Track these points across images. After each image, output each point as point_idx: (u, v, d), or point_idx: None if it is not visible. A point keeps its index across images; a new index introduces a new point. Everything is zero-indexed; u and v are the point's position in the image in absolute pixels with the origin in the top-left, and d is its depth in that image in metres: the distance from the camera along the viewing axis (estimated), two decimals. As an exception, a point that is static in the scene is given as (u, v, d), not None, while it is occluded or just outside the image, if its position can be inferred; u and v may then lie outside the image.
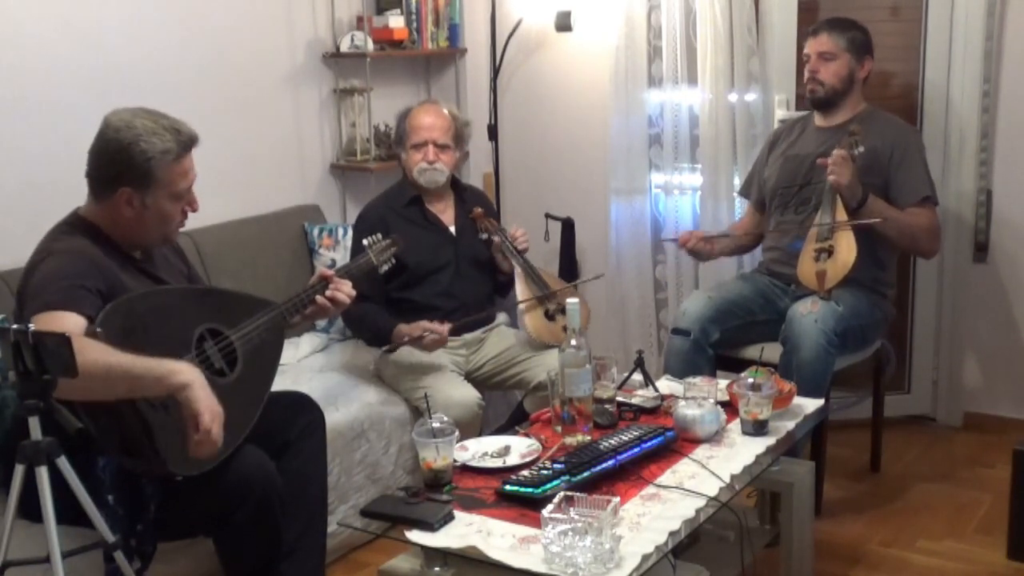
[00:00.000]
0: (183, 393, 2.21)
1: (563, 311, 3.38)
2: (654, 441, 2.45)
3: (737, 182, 4.04)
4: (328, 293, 2.77)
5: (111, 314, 2.28)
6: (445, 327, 3.25)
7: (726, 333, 3.37)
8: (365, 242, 3.07)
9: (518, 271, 3.42)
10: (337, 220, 4.25)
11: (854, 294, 3.27)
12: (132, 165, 2.39)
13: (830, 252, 3.21)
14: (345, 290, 2.81)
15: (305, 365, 3.60)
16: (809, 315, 3.16)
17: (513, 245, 3.44)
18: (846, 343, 3.23)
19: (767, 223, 3.60)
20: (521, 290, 3.40)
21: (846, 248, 3.18)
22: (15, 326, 1.98)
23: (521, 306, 3.39)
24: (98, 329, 2.23)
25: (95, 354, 2.14)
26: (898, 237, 3.33)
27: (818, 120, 3.53)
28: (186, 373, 2.23)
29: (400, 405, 3.37)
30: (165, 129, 2.42)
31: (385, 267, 3.09)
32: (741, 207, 4.00)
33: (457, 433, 2.38)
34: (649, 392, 2.82)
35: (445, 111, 3.52)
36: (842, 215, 3.23)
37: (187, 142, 2.46)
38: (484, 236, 3.45)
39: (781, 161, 3.54)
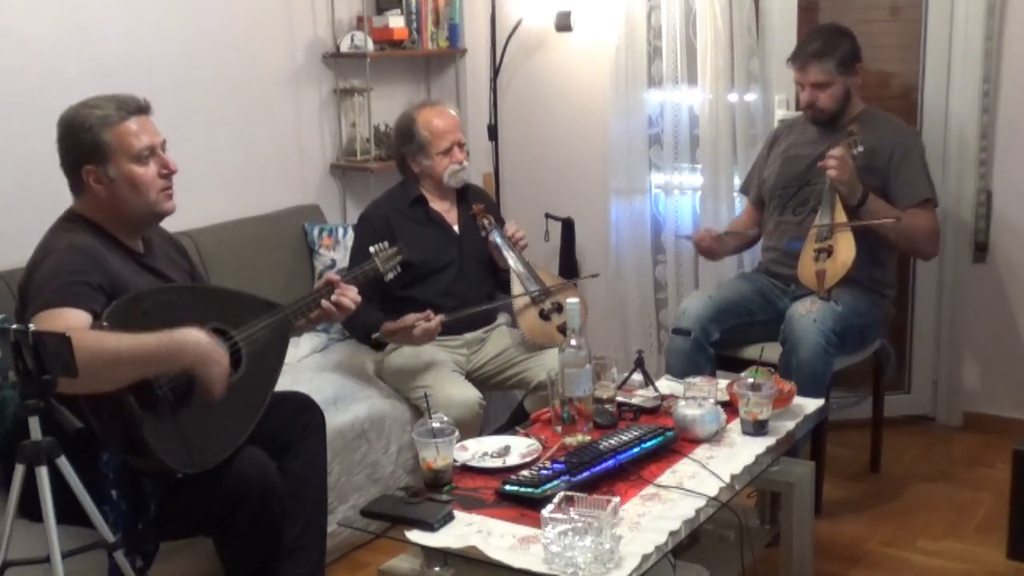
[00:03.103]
0: (192, 371, 2.28)
1: (558, 310, 3.39)
2: (654, 441, 2.45)
3: (737, 182, 4.04)
4: (334, 298, 2.78)
5: (117, 310, 2.29)
6: (436, 318, 3.22)
7: (726, 333, 3.37)
8: (372, 249, 3.06)
9: (513, 271, 3.41)
10: (337, 220, 4.25)
11: (853, 293, 3.27)
12: (79, 140, 2.42)
13: (829, 252, 3.21)
14: (351, 295, 2.81)
15: (305, 365, 3.60)
16: (808, 315, 3.16)
17: (510, 243, 3.43)
18: (845, 342, 3.23)
19: (765, 223, 3.60)
20: (516, 291, 3.40)
21: (845, 248, 3.18)
22: (15, 326, 1.99)
23: (516, 307, 3.38)
24: (104, 324, 2.24)
25: (98, 341, 2.15)
26: (897, 238, 3.33)
27: None
28: (190, 352, 2.27)
29: (400, 405, 3.37)
30: (104, 100, 2.45)
31: (391, 275, 3.09)
32: (741, 207, 4.00)
33: (457, 433, 2.38)
34: (649, 392, 2.82)
35: (452, 111, 3.54)
36: (841, 215, 3.23)
37: (131, 108, 2.46)
38: (483, 233, 3.45)
39: (780, 161, 3.53)
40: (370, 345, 3.41)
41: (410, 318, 3.21)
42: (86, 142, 2.41)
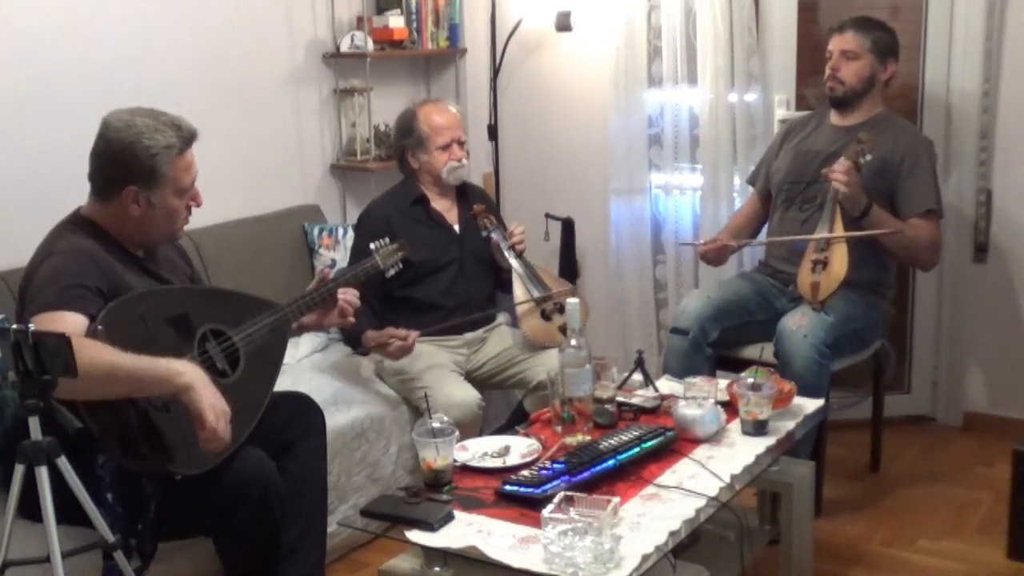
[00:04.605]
0: (185, 395, 2.22)
1: (560, 310, 3.38)
2: (654, 441, 2.45)
3: (737, 182, 4.04)
4: (340, 298, 2.79)
5: (113, 313, 2.28)
6: (412, 335, 3.24)
7: (725, 332, 3.37)
8: (372, 246, 3.07)
9: (515, 272, 3.41)
10: (337, 220, 4.25)
11: (849, 298, 3.26)
12: (137, 163, 2.39)
13: (825, 264, 3.20)
14: (350, 298, 2.82)
15: (305, 365, 3.60)
16: (799, 330, 3.15)
17: (510, 243, 3.43)
18: (841, 349, 3.23)
19: (771, 217, 3.59)
20: (518, 291, 3.40)
21: (839, 262, 3.18)
22: (15, 326, 1.99)
23: (518, 309, 3.38)
24: (99, 327, 2.24)
25: (97, 354, 2.15)
26: (897, 249, 3.32)
27: (834, 118, 3.51)
28: (187, 375, 2.23)
29: (400, 405, 3.37)
30: (166, 125, 2.43)
31: (391, 271, 3.09)
32: (744, 202, 4.00)
33: (457, 433, 2.38)
34: (649, 392, 2.82)
35: (453, 108, 3.54)
36: (840, 227, 3.22)
37: (188, 137, 2.47)
38: (484, 233, 3.45)
39: (792, 155, 3.52)
40: (354, 349, 3.42)
41: (388, 332, 3.23)
42: (144, 166, 2.40)
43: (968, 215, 3.82)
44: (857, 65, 3.38)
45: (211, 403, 2.24)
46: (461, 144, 3.49)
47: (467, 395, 3.22)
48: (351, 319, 2.85)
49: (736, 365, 3.27)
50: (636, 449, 2.40)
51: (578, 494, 2.12)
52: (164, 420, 2.28)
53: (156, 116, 2.45)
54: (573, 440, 2.52)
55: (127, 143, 2.39)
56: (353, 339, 3.37)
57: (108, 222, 2.47)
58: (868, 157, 3.21)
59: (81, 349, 2.02)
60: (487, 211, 3.48)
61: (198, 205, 2.57)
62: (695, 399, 2.61)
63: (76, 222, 2.48)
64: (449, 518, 2.17)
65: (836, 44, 3.41)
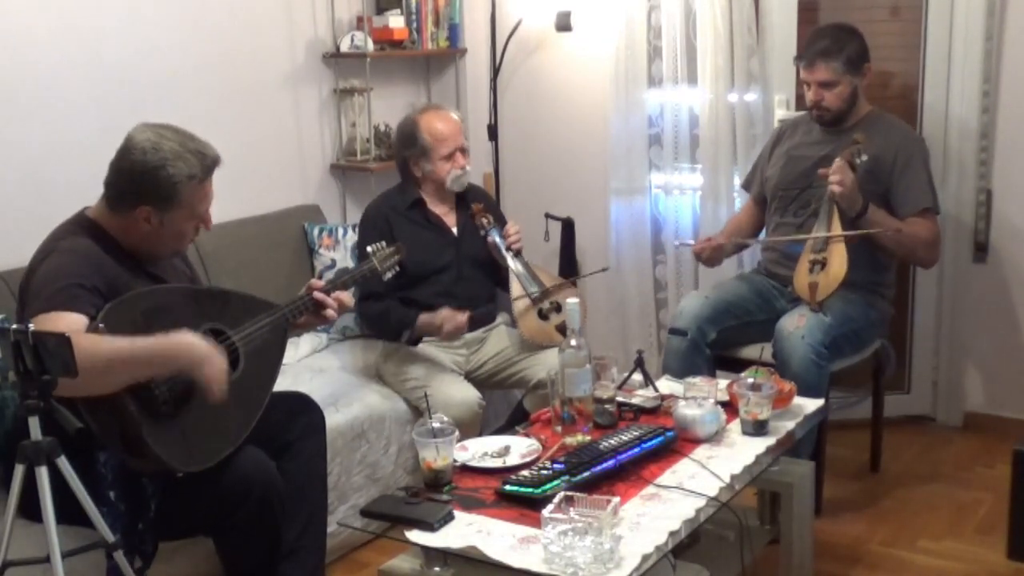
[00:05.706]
0: (189, 373, 2.27)
1: (557, 310, 3.38)
2: (654, 441, 2.45)
3: (737, 182, 4.04)
4: (334, 295, 2.78)
5: (113, 311, 2.29)
6: (465, 314, 3.29)
7: (723, 333, 3.37)
8: (369, 249, 3.06)
9: (512, 271, 3.41)
10: (337, 220, 4.25)
11: (847, 298, 3.25)
12: (157, 187, 2.40)
13: (823, 264, 3.20)
14: (344, 299, 2.82)
15: (305, 365, 3.61)
16: (796, 331, 3.15)
17: (507, 243, 3.43)
18: (840, 349, 3.22)
19: (767, 223, 3.60)
20: (515, 291, 3.40)
21: (838, 262, 3.17)
22: (15, 326, 1.99)
23: (515, 308, 3.38)
24: (100, 325, 2.24)
25: (94, 344, 2.16)
26: (896, 248, 3.32)
27: None
28: (186, 355, 2.27)
29: (400, 405, 3.37)
30: (191, 153, 2.43)
31: (389, 274, 3.09)
32: (741, 206, 4.00)
33: (457, 433, 2.38)
34: (649, 392, 2.82)
35: (454, 115, 3.53)
36: (837, 227, 3.22)
37: (211, 166, 2.49)
38: (482, 233, 3.45)
39: (784, 160, 3.52)
40: (406, 342, 3.40)
41: (443, 314, 3.28)
42: (163, 190, 2.41)
43: (968, 215, 3.82)
44: (838, 90, 3.34)
45: (214, 377, 2.29)
46: (464, 151, 3.48)
47: (467, 395, 3.22)
48: (334, 315, 2.83)
49: (736, 365, 3.27)
50: (636, 449, 2.41)
51: (578, 494, 2.12)
52: (165, 417, 2.29)
53: (183, 141, 2.44)
54: (573, 440, 2.52)
55: (150, 167, 2.39)
56: (398, 333, 3.36)
57: (114, 229, 2.47)
58: (864, 157, 3.21)
59: (76, 344, 2.02)
60: (485, 210, 3.47)
61: (207, 228, 2.59)
62: (695, 399, 2.61)
63: (80, 223, 2.48)
64: (449, 518, 2.17)
65: (810, 77, 3.36)
